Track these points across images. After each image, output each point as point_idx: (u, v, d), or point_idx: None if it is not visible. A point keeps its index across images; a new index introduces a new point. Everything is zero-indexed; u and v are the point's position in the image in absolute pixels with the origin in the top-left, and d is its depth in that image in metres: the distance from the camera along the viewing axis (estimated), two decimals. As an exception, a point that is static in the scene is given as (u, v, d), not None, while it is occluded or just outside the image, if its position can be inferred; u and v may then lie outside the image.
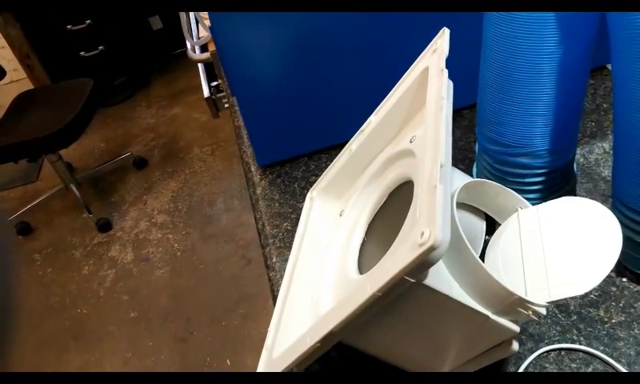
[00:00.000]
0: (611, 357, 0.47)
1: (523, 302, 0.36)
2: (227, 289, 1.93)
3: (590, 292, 0.52)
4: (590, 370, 0.47)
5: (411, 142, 0.46)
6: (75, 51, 2.61)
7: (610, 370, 0.46)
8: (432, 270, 0.35)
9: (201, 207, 2.26)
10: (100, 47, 2.63)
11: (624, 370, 0.46)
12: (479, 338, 0.39)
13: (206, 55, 1.40)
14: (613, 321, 0.50)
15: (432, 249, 0.30)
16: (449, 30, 0.46)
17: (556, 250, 0.39)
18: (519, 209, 0.43)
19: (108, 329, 1.90)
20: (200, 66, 1.55)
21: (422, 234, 0.31)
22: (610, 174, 0.61)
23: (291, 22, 0.62)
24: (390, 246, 0.50)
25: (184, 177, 2.42)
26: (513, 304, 0.36)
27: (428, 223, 0.31)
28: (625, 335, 0.48)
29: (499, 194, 0.43)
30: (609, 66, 0.75)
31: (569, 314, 0.51)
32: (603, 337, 0.49)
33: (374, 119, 0.53)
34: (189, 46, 1.43)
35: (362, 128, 0.54)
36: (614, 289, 0.52)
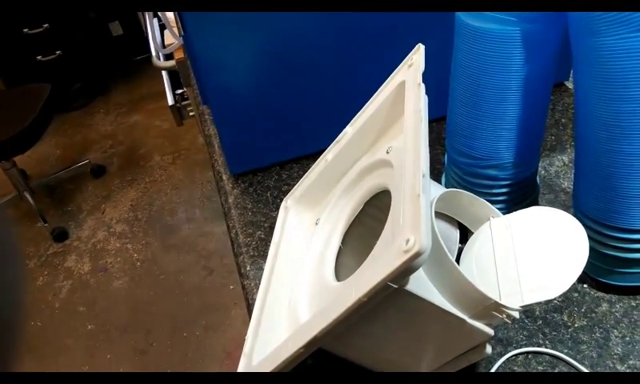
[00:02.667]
0: (575, 359, 0.49)
1: (498, 306, 0.38)
2: (189, 299, 1.91)
3: (555, 298, 0.55)
4: (555, 371, 0.49)
5: (388, 152, 0.48)
6: (32, 55, 2.53)
7: (575, 372, 0.49)
8: (413, 276, 0.37)
9: (161, 217, 2.23)
10: (58, 52, 2.56)
11: (588, 372, 0.48)
12: (456, 341, 0.41)
13: (172, 63, 1.39)
14: (576, 325, 0.52)
15: (417, 255, 0.31)
16: (424, 46, 0.47)
17: (527, 257, 0.41)
18: (491, 218, 0.45)
19: (64, 341, 1.85)
20: (164, 73, 1.54)
21: (408, 240, 0.32)
22: (570, 186, 0.64)
23: (267, 31, 0.63)
24: (366, 254, 0.52)
25: (144, 185, 2.38)
26: (488, 308, 0.38)
27: (413, 230, 0.33)
28: (587, 338, 0.51)
29: (473, 204, 0.45)
30: (566, 83, 0.78)
31: (535, 319, 0.53)
32: (567, 340, 0.51)
33: (349, 130, 0.54)
34: (154, 53, 1.42)
35: (337, 138, 0.56)
36: (576, 295, 0.55)
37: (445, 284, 0.38)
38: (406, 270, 0.32)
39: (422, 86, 0.43)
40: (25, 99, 2.08)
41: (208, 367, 1.69)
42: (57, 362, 1.78)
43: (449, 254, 0.37)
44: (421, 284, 0.38)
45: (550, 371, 0.49)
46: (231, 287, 1.91)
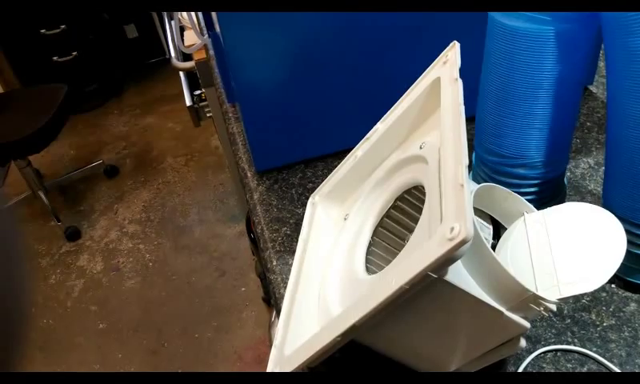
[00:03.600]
0: (604, 357, 0.50)
1: (536, 299, 0.38)
2: (200, 300, 1.91)
3: (582, 297, 0.55)
4: (585, 369, 0.49)
5: (421, 148, 0.48)
6: (48, 56, 2.56)
7: (604, 370, 0.49)
8: (451, 267, 0.37)
9: (173, 218, 2.24)
10: (74, 53, 2.59)
11: (617, 370, 0.48)
12: (490, 334, 0.41)
13: (191, 64, 1.40)
14: (604, 324, 0.52)
15: (463, 242, 0.31)
16: (459, 43, 0.48)
17: (563, 251, 0.41)
18: (525, 213, 0.45)
19: (75, 340, 1.86)
20: (182, 75, 1.55)
21: (452, 229, 0.32)
22: (596, 188, 0.65)
23: (295, 28, 0.64)
24: (397, 249, 0.52)
25: (157, 187, 2.40)
26: (526, 300, 0.38)
27: (457, 218, 0.33)
28: (616, 337, 0.51)
29: (506, 199, 0.45)
30: (590, 87, 0.79)
31: (563, 317, 0.54)
32: (596, 339, 0.51)
33: (380, 127, 0.55)
34: (173, 54, 1.44)
35: (367, 135, 0.56)
36: (604, 294, 0.55)
37: (482, 275, 0.39)
38: (451, 257, 0.33)
39: (460, 81, 0.43)
40: (40, 99, 2.10)
41: (219, 368, 1.69)
42: (68, 361, 1.79)
43: (487, 245, 0.38)
44: (459, 274, 0.38)
45: (578, 370, 0.49)
46: (242, 289, 1.91)
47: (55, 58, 2.57)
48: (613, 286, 0.55)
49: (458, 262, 0.39)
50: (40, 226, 2.28)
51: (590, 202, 0.45)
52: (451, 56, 0.47)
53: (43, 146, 2.03)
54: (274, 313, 1.45)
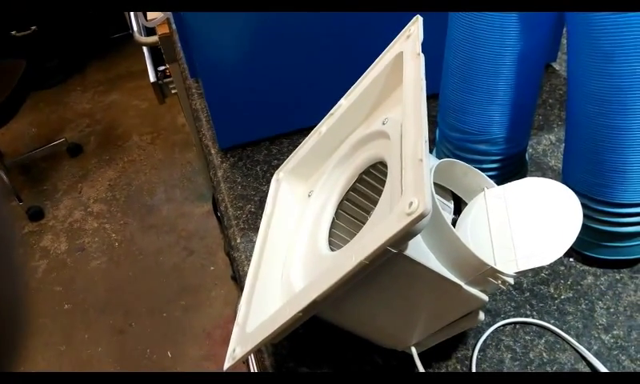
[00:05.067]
0: (561, 329, 0.51)
1: (494, 272, 0.38)
2: (168, 280, 1.90)
3: (541, 270, 0.56)
4: (542, 341, 0.51)
5: (384, 124, 0.48)
6: (5, 30, 2.46)
7: (561, 341, 0.50)
8: (411, 242, 0.37)
9: (140, 197, 2.20)
10: (33, 27, 2.50)
11: (574, 341, 0.49)
12: (451, 308, 0.42)
13: (154, 39, 1.37)
14: (562, 297, 0.54)
15: (421, 216, 0.31)
16: (422, 18, 0.48)
17: (522, 225, 0.41)
18: (485, 188, 0.46)
19: (40, 321, 1.82)
20: (145, 50, 1.51)
21: (411, 203, 0.32)
22: (557, 164, 0.66)
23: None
24: (360, 224, 0.52)
25: (122, 165, 2.35)
26: (485, 274, 0.39)
27: (416, 193, 0.33)
28: (573, 310, 0.52)
29: (467, 174, 0.46)
30: (554, 65, 0.80)
31: (522, 291, 0.55)
32: (554, 311, 0.53)
33: (344, 102, 0.54)
34: (135, 29, 1.40)
35: (331, 111, 0.56)
36: (562, 268, 0.56)
37: (442, 250, 0.39)
38: (410, 232, 0.33)
39: (422, 56, 0.43)
40: (-1, 74, 2.03)
41: (187, 347, 1.69)
42: (34, 342, 1.76)
43: (447, 220, 0.38)
44: (419, 249, 0.38)
45: (536, 342, 0.50)
46: (211, 268, 1.90)
47: (13, 32, 2.47)
48: (571, 259, 0.57)
49: (418, 237, 0.39)
50: (1, 206, 2.22)
51: (551, 178, 0.45)
52: (414, 30, 0.47)
53: (2, 123, 1.97)
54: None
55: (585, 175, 0.51)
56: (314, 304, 0.38)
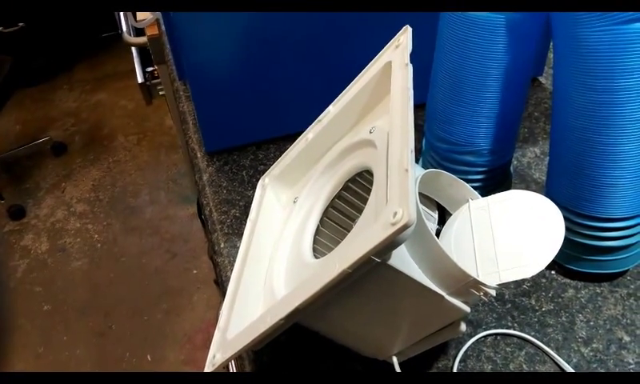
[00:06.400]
0: (542, 341, 0.51)
1: (477, 284, 0.38)
2: (150, 283, 1.88)
3: (523, 282, 0.56)
4: (522, 353, 0.51)
5: (371, 132, 0.48)
6: (-9, 25, 2.43)
7: (541, 354, 0.50)
8: (394, 251, 0.37)
9: (124, 198, 2.18)
10: (20, 24, 2.47)
11: (554, 354, 0.50)
12: (433, 318, 0.42)
13: (143, 39, 1.36)
14: (543, 309, 0.54)
15: (405, 227, 0.31)
16: (411, 28, 0.48)
17: (505, 237, 0.42)
18: (470, 199, 0.46)
19: (18, 322, 1.79)
20: (134, 50, 1.50)
21: (395, 213, 0.32)
22: (541, 177, 0.66)
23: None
24: (345, 233, 0.52)
25: (107, 165, 2.33)
26: (467, 285, 0.39)
27: (400, 203, 0.33)
28: (553, 322, 0.53)
29: (452, 185, 0.46)
30: (540, 78, 0.80)
31: (504, 302, 0.55)
32: (535, 323, 0.53)
33: (332, 109, 0.54)
34: (124, 28, 1.39)
35: (319, 118, 0.56)
36: (544, 280, 0.56)
37: (425, 260, 0.39)
38: (393, 242, 0.33)
39: (410, 66, 0.43)
40: (-17, 70, 2.00)
41: (167, 351, 1.67)
42: (10, 343, 1.73)
43: (431, 231, 0.38)
44: (402, 259, 0.38)
45: (517, 354, 0.51)
46: (194, 272, 1.89)
47: (0, 28, 2.44)
48: (553, 272, 0.57)
49: (402, 247, 0.39)
50: (-19, 204, 2.19)
51: (535, 191, 0.46)
52: (403, 40, 0.47)
53: (-15, 119, 1.94)
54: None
55: (568, 189, 0.52)
56: (296, 311, 0.38)
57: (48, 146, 2.36)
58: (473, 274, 0.39)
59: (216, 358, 0.45)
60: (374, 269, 0.36)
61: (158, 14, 0.82)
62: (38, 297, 1.87)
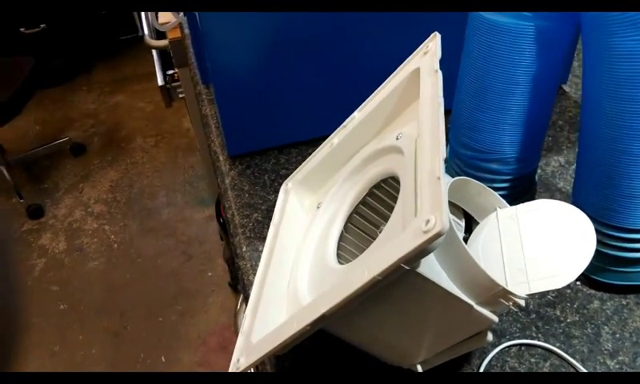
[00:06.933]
0: (567, 353, 0.50)
1: (506, 293, 0.38)
2: (165, 284, 1.89)
3: (547, 293, 0.56)
4: (547, 364, 0.50)
5: (397, 139, 0.48)
6: (14, 26, 2.47)
7: (566, 365, 0.50)
8: (424, 259, 0.37)
9: (141, 199, 2.20)
10: (42, 25, 2.50)
11: (579, 365, 0.49)
12: (460, 327, 0.42)
13: (164, 42, 1.37)
14: (568, 320, 0.53)
15: (438, 235, 0.31)
16: (440, 35, 0.48)
17: (534, 247, 0.41)
18: (498, 208, 0.46)
19: (34, 320, 1.81)
20: (154, 53, 1.52)
21: (428, 221, 0.32)
22: (565, 186, 0.66)
23: (275, 14, 0.63)
24: (369, 239, 0.52)
25: (124, 167, 2.35)
26: (496, 295, 0.38)
27: (433, 211, 0.33)
28: (579, 333, 0.52)
29: (480, 193, 0.46)
30: (564, 86, 0.80)
31: (528, 312, 0.54)
32: (559, 334, 0.52)
33: (357, 115, 0.54)
34: (146, 31, 1.40)
35: (344, 123, 0.56)
36: (569, 291, 0.56)
37: (454, 268, 0.38)
38: (425, 250, 0.32)
39: (440, 72, 0.43)
40: (6, 71, 2.03)
41: (181, 353, 1.68)
42: (26, 341, 1.74)
43: (461, 239, 0.38)
44: (431, 267, 0.38)
45: (542, 365, 0.50)
46: (209, 274, 1.90)
47: (22, 29, 2.48)
48: (578, 283, 0.56)
49: (431, 255, 0.39)
50: (1, 203, 2.21)
51: (559, 200, 0.45)
52: (432, 47, 0.47)
53: (7, 119, 1.97)
54: (241, 299, 1.44)
55: (596, 199, 0.51)
56: (322, 318, 0.38)
57: (67, 147, 2.39)
58: (502, 283, 0.38)
59: (240, 362, 0.45)
60: (402, 276, 0.36)
61: (182, 18, 0.82)
62: (55, 296, 1.88)
